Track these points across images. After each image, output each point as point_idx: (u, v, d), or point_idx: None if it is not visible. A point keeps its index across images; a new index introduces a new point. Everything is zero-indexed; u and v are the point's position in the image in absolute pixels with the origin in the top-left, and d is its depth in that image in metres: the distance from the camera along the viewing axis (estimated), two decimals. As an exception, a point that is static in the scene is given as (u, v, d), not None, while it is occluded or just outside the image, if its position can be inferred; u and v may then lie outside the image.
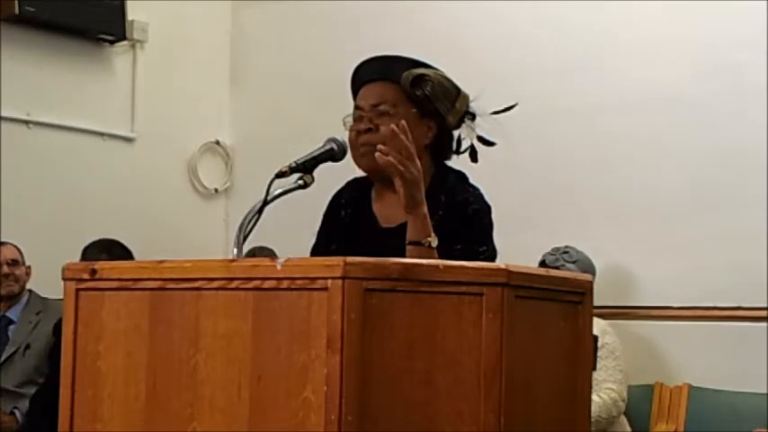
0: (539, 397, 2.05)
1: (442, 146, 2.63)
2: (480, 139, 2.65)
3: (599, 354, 4.31)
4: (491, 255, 2.53)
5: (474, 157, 2.65)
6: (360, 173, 2.67)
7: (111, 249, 4.67)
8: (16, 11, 5.30)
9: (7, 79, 5.35)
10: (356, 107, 2.61)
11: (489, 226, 2.57)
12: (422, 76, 2.56)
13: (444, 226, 2.43)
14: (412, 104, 2.56)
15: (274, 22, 6.14)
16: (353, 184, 2.72)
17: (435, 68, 2.62)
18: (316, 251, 2.68)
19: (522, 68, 5.04)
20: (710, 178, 4.58)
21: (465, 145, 2.67)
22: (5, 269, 4.77)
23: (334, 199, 2.72)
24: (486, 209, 2.58)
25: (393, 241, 2.46)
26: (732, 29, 4.55)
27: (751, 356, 4.37)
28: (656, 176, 4.71)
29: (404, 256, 2.35)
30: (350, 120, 2.60)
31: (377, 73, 2.62)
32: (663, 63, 4.71)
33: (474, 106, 2.64)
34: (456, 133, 2.65)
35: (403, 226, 2.48)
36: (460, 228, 2.49)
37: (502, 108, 2.66)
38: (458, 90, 2.61)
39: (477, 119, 2.64)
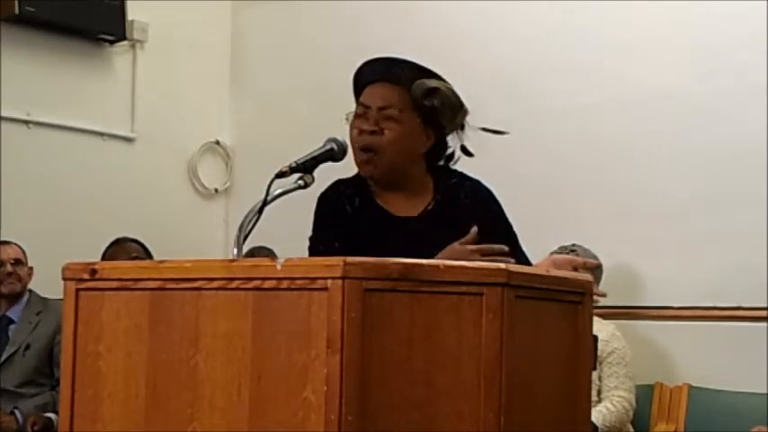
0: (539, 397, 2.06)
1: (436, 154, 2.69)
2: (463, 149, 2.71)
3: (609, 360, 4.33)
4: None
5: (448, 162, 2.73)
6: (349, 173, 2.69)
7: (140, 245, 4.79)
8: (16, 11, 5.30)
9: (7, 79, 5.35)
10: (361, 104, 2.62)
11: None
12: (435, 89, 2.59)
13: (472, 212, 2.59)
14: (417, 112, 2.59)
15: (274, 22, 6.14)
16: (344, 183, 2.70)
17: (443, 79, 2.66)
18: (325, 252, 2.65)
19: (521, 68, 5.04)
20: (710, 178, 4.57)
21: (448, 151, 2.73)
22: (9, 268, 4.77)
23: (330, 197, 2.68)
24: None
25: (417, 228, 2.57)
26: (732, 29, 4.55)
27: (751, 356, 4.36)
28: (656, 176, 4.71)
29: (429, 242, 2.46)
30: (352, 116, 2.61)
31: (383, 74, 2.64)
32: (663, 63, 4.71)
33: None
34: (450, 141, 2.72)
35: (422, 217, 2.59)
36: (486, 209, 2.65)
37: (492, 129, 2.70)
38: (461, 104, 2.65)
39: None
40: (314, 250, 2.64)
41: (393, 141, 2.56)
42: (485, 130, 2.68)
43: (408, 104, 2.58)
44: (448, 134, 2.66)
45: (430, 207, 2.62)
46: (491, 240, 2.51)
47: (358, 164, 2.61)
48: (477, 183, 2.70)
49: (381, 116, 2.57)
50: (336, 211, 2.66)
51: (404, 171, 2.61)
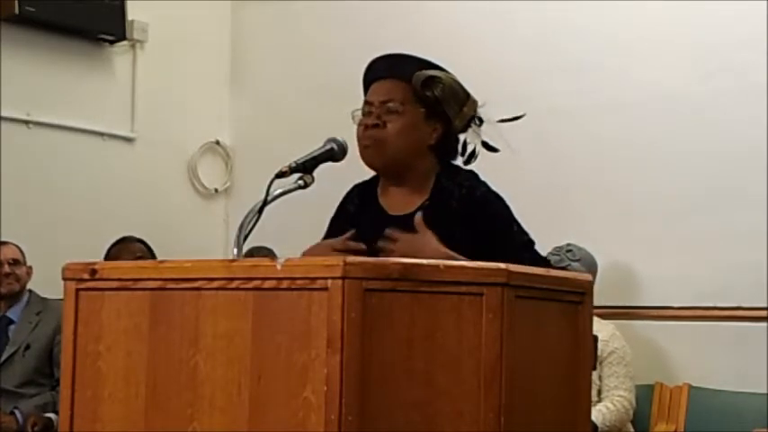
0: (539, 397, 2.05)
1: (447, 148, 2.66)
2: (485, 144, 2.69)
3: (609, 359, 4.32)
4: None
5: (470, 159, 2.69)
6: (363, 176, 2.69)
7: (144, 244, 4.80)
8: (16, 11, 5.29)
9: (7, 79, 5.34)
10: (366, 102, 2.64)
11: (508, 210, 2.64)
12: (434, 77, 2.59)
13: (461, 218, 2.53)
14: (420, 104, 2.59)
15: (274, 22, 6.14)
16: (361, 186, 2.75)
17: (446, 71, 2.64)
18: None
19: (522, 68, 5.04)
20: (710, 178, 4.57)
21: (469, 149, 2.69)
22: (6, 268, 4.76)
23: (342, 200, 2.76)
24: (499, 196, 2.63)
25: (405, 226, 2.51)
26: (732, 29, 4.55)
27: (751, 356, 4.36)
28: (656, 176, 4.71)
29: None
30: (359, 114, 2.63)
31: (387, 70, 2.65)
32: (663, 63, 4.71)
33: (481, 112, 2.67)
34: (462, 137, 2.67)
35: (411, 215, 2.53)
36: (478, 216, 2.55)
37: (510, 117, 2.68)
38: (467, 95, 2.64)
39: (484, 125, 2.67)
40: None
41: (395, 133, 2.56)
42: (502, 121, 2.67)
43: (410, 97, 2.58)
44: (459, 126, 2.63)
45: (424, 206, 2.60)
46: (484, 246, 2.47)
47: (361, 153, 2.61)
48: (477, 186, 2.62)
49: (383, 110, 2.58)
50: (341, 212, 2.73)
51: (408, 164, 2.60)
